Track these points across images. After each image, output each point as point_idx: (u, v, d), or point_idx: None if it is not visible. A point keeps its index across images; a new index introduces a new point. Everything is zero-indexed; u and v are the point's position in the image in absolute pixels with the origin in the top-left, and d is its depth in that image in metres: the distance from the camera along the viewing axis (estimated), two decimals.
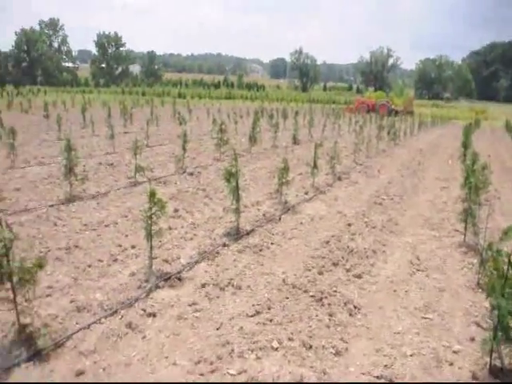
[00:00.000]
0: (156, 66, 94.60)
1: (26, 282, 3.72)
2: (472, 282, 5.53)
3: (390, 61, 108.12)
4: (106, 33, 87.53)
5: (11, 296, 3.73)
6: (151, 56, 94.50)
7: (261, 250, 6.08)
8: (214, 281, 5.08)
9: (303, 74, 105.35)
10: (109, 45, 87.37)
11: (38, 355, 3.65)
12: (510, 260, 3.80)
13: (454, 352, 4.07)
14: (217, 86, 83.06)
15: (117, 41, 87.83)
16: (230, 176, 6.40)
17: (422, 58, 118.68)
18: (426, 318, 4.65)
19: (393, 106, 46.76)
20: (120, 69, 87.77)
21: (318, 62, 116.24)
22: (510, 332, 3.62)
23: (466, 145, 14.63)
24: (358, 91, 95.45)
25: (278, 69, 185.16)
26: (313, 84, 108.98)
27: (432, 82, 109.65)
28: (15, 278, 3.68)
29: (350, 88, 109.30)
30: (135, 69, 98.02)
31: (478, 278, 5.48)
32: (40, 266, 3.79)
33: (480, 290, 5.24)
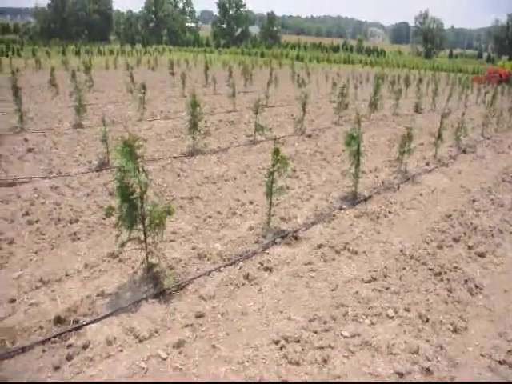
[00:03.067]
0: (275, 28, 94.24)
1: (155, 226, 4.02)
2: None
3: None
4: None
5: (142, 237, 4.07)
6: (270, 17, 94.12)
7: (378, 218, 5.96)
8: (330, 243, 5.11)
9: (428, 39, 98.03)
10: (230, 6, 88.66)
11: (162, 294, 3.98)
12: None
13: None
14: (335, 49, 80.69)
15: (237, 2, 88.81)
16: (351, 139, 6.28)
17: None
18: None
19: None
20: (240, 30, 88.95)
21: (445, 27, 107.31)
22: None
23: None
24: (489, 60, 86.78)
25: (400, 33, 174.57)
26: (438, 51, 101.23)
27: None
28: (147, 221, 4.00)
29: (480, 56, 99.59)
30: (254, 30, 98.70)
31: None
32: (169, 212, 4.07)
33: None
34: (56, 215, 5.46)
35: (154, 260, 4.28)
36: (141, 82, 11.76)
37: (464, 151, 10.36)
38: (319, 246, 5.03)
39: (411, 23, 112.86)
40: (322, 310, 3.89)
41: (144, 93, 11.47)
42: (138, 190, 3.91)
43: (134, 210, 3.96)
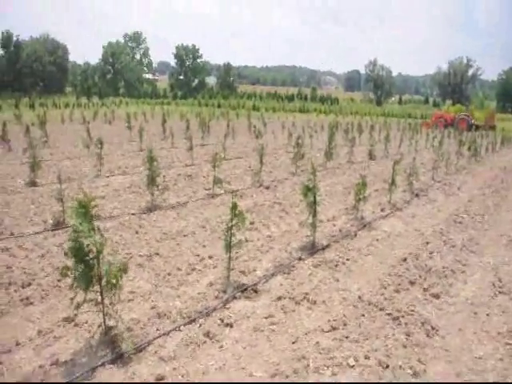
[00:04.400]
0: (231, 78, 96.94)
1: (112, 286, 3.97)
2: None
3: (470, 72, 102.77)
4: (184, 45, 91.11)
5: (99, 298, 3.99)
6: (227, 68, 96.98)
7: (336, 266, 6.08)
8: (290, 294, 5.16)
9: (378, 86, 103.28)
10: (187, 56, 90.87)
11: (121, 358, 3.87)
12: None
13: None
14: (291, 98, 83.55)
15: (194, 52, 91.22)
16: (308, 191, 6.48)
17: (505, 68, 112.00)
18: (510, 344, 4.43)
19: (473, 121, 44.48)
20: (197, 80, 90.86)
21: (393, 74, 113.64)
22: None
23: None
24: (435, 104, 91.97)
25: (352, 81, 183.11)
26: (388, 97, 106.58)
27: None
28: (103, 282, 3.94)
29: (427, 101, 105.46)
30: (211, 80, 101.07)
31: None
32: (124, 270, 4.05)
33: None
34: (7, 279, 5.28)
35: (111, 322, 4.19)
36: (97, 137, 11.79)
37: (417, 195, 10.81)
38: (279, 298, 5.06)
39: (362, 71, 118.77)
40: (283, 364, 3.88)
41: (101, 148, 11.47)
42: (93, 250, 3.88)
43: (89, 271, 3.90)
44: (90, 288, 3.92)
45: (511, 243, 7.58)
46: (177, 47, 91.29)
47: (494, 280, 5.96)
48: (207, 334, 4.30)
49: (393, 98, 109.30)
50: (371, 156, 16.82)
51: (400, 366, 3.93)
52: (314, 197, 6.49)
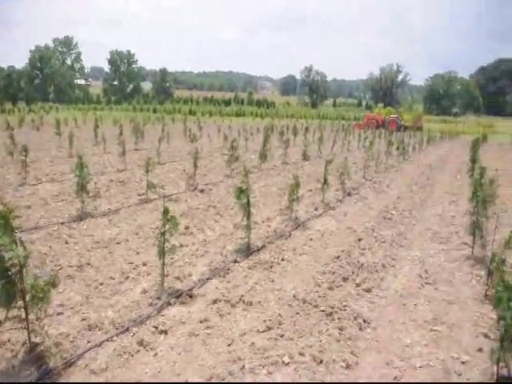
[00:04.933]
0: (167, 84, 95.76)
1: (38, 301, 3.77)
2: (480, 293, 5.55)
3: (400, 77, 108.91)
4: (119, 50, 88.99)
5: (23, 315, 3.79)
6: (163, 73, 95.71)
7: (271, 267, 6.13)
8: (226, 297, 5.14)
9: (313, 90, 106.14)
10: (121, 62, 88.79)
11: (48, 375, 3.68)
12: None
13: (463, 363, 4.11)
14: (227, 103, 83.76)
15: (129, 58, 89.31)
16: (241, 193, 6.50)
17: (431, 74, 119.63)
18: (434, 331, 4.67)
19: (402, 122, 46.97)
20: (131, 86, 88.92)
21: (328, 79, 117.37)
22: None
23: (473, 159, 14.67)
24: (368, 107, 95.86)
25: (288, 86, 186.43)
26: (322, 100, 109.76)
27: (440, 97, 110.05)
28: (28, 297, 3.73)
29: (360, 104, 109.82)
30: (146, 86, 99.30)
31: (486, 290, 5.50)
32: (53, 284, 3.86)
33: (488, 302, 5.24)
34: None
35: (37, 339, 3.98)
36: (23, 143, 11.19)
37: (349, 194, 11.16)
38: (214, 302, 5.03)
39: (298, 76, 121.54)
40: (219, 367, 3.86)
41: (26, 155, 10.90)
42: (16, 264, 3.67)
43: (12, 287, 3.69)
44: (13, 304, 3.71)
45: (436, 236, 8.00)
46: (111, 52, 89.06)
47: (421, 272, 6.26)
48: (141, 343, 4.19)
49: (327, 102, 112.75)
50: (305, 157, 17.18)
51: (333, 360, 4.03)
52: (248, 199, 6.52)
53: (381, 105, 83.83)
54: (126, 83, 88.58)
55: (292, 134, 24.18)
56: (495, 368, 3.86)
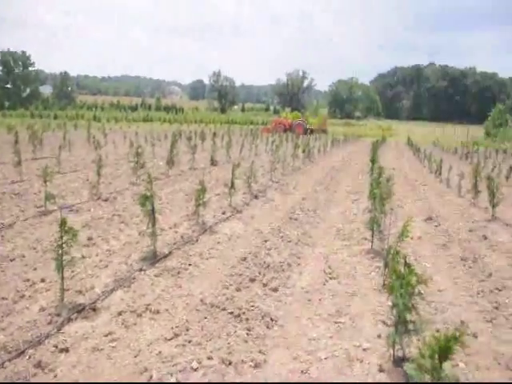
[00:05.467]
0: (69, 88, 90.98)
1: None
2: (379, 284, 5.92)
3: (305, 82, 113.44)
4: (12, 50, 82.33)
5: None
6: (64, 77, 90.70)
7: (179, 273, 6.05)
8: (131, 307, 4.98)
9: (222, 95, 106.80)
10: (15, 64, 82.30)
11: None
12: (405, 261, 4.19)
13: (364, 350, 4.35)
14: (134, 108, 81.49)
15: (24, 59, 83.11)
16: (145, 200, 6.36)
17: (334, 80, 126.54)
18: (338, 322, 4.90)
19: (308, 126, 48.97)
20: (28, 90, 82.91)
21: (237, 84, 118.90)
22: (408, 325, 4.00)
23: (373, 160, 15.64)
24: (275, 112, 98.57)
25: (197, 91, 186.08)
26: (231, 105, 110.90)
27: (344, 102, 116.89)
28: None
29: (268, 109, 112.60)
30: (46, 90, 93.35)
31: (384, 280, 5.87)
32: None
33: (385, 291, 5.59)
34: None
35: None
36: None
37: (256, 197, 11.35)
38: (120, 314, 4.85)
39: (206, 81, 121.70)
40: (125, 381, 3.73)
41: None
42: None
43: None
44: None
45: (339, 233, 8.41)
46: (2, 53, 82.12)
47: (325, 268, 6.53)
48: (38, 365, 3.92)
49: (236, 107, 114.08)
50: (213, 162, 17.20)
51: (242, 361, 4.06)
52: (153, 205, 6.40)
53: (288, 109, 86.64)
54: (21, 87, 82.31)
55: (200, 140, 24.12)
56: (392, 351, 4.16)
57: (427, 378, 2.82)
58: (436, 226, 9.69)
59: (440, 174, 17.35)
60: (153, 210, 6.38)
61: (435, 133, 60.71)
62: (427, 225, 9.82)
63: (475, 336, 4.86)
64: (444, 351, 2.74)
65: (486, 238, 8.78)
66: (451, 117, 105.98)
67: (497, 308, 5.54)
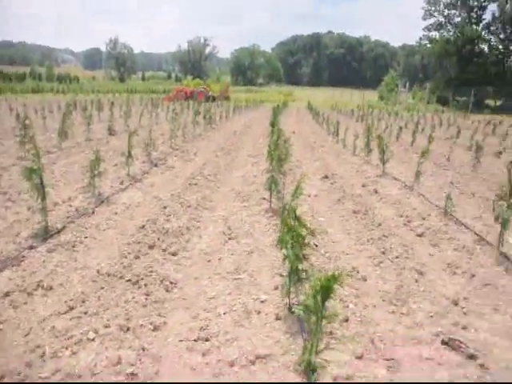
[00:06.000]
0: None
1: None
2: (276, 240, 6.15)
3: (207, 50, 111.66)
4: None
5: None
6: None
7: (73, 247, 5.81)
8: (20, 287, 4.70)
9: (120, 64, 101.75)
10: None
11: None
12: (295, 214, 4.39)
13: (261, 302, 4.56)
14: (22, 78, 74.88)
15: None
16: (31, 173, 5.97)
17: (236, 48, 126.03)
18: (237, 279, 5.06)
19: (210, 93, 48.60)
20: None
21: (136, 51, 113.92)
22: (300, 274, 4.25)
23: (273, 124, 15.95)
24: (177, 80, 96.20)
25: (92, 59, 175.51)
26: (131, 74, 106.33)
27: (246, 69, 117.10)
28: None
29: (169, 77, 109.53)
30: None
31: (279, 236, 6.13)
32: None
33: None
34: None
35: None
36: None
37: (156, 165, 11.13)
38: (7, 295, 4.55)
39: (103, 49, 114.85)
40: (13, 363, 3.55)
41: None
42: None
43: None
44: None
45: (239, 196, 8.56)
46: None
47: (225, 229, 6.65)
48: None
49: (135, 75, 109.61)
50: (111, 132, 16.48)
51: (141, 325, 4.07)
52: (41, 178, 6.03)
53: (190, 77, 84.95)
54: None
55: (97, 110, 22.91)
56: (287, 300, 4.40)
57: (313, 318, 3.02)
58: (332, 183, 10.23)
59: (337, 135, 18.19)
60: (42, 184, 6.02)
61: (334, 97, 63.33)
62: (324, 183, 10.34)
63: (364, 279, 5.29)
64: (325, 290, 2.93)
65: (376, 191, 9.46)
66: (349, 82, 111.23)
67: (384, 253, 6.05)
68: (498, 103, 58.52)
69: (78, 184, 8.84)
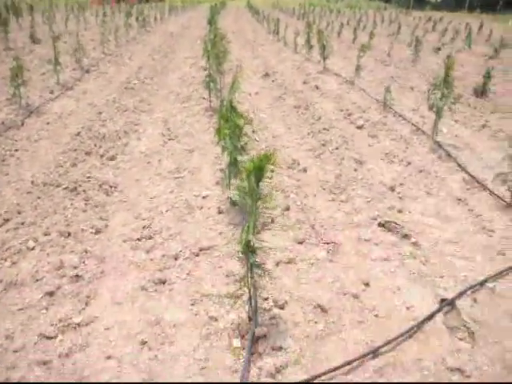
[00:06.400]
0: None
1: None
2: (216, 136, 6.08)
3: None
4: None
5: None
6: None
7: (3, 161, 5.49)
8: None
9: None
10: None
11: None
12: (231, 105, 4.27)
13: (203, 197, 4.58)
14: None
15: None
16: None
17: None
18: (178, 178, 5.03)
19: None
20: None
21: None
22: (239, 165, 4.21)
23: (210, 22, 15.10)
24: None
25: None
26: None
27: None
28: None
29: None
30: None
31: (217, 129, 6.05)
32: None
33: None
34: None
35: None
36: None
37: (87, 71, 10.42)
38: None
39: None
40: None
41: None
42: None
43: None
44: None
45: (178, 97, 8.27)
46: None
47: (164, 131, 6.48)
48: None
49: None
50: (34, 40, 14.89)
51: (82, 230, 4.00)
52: None
53: None
54: None
55: (14, 16, 20.74)
56: (228, 193, 4.42)
57: (248, 200, 3.02)
58: (273, 80, 10.03)
59: (277, 33, 17.57)
60: None
61: None
62: (264, 81, 10.12)
63: (305, 170, 5.38)
64: (258, 170, 2.90)
65: (317, 87, 9.37)
66: None
67: (324, 145, 6.12)
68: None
69: (3, 96, 8.20)
